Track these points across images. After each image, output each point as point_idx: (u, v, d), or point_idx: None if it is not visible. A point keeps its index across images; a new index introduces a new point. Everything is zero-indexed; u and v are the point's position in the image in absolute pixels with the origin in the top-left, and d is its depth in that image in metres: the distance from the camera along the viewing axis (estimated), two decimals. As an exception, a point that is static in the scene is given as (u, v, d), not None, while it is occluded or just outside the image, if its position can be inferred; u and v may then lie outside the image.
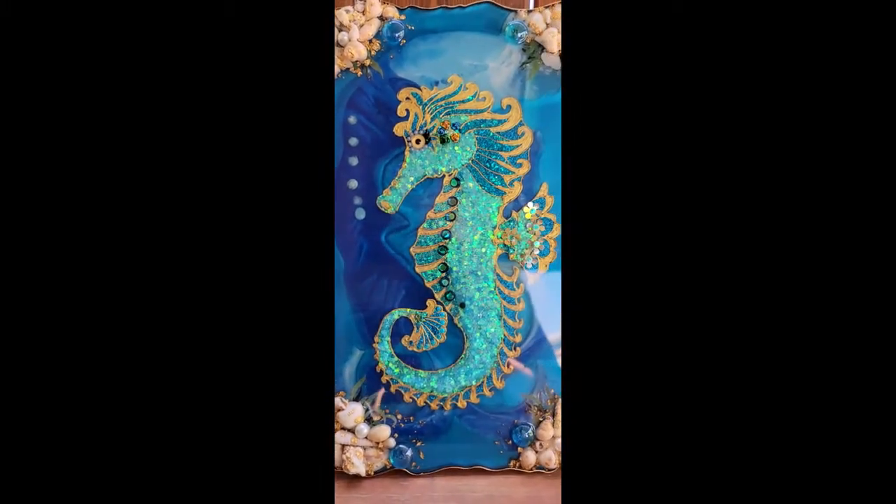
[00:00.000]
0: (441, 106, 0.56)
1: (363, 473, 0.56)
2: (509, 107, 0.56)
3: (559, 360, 0.58)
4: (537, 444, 0.57)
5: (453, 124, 0.56)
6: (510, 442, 0.58)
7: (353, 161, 0.57)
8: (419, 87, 0.56)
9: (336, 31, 0.56)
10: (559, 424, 0.56)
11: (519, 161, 0.57)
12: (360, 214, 0.57)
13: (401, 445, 0.58)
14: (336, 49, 0.56)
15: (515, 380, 0.58)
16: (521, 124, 0.57)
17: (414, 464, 0.58)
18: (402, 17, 0.56)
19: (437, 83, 0.56)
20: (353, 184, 0.57)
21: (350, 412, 0.56)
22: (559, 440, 0.56)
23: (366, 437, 0.57)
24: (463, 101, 0.56)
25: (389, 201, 0.56)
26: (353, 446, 0.57)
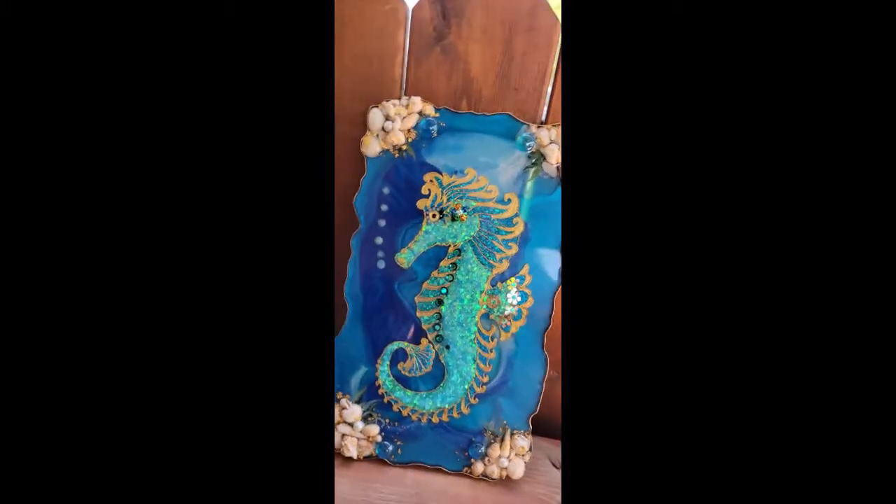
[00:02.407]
0: (456, 191, 0.68)
1: (355, 457, 0.71)
2: (510, 200, 0.68)
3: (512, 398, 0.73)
4: (486, 458, 0.71)
5: (464, 207, 0.68)
6: (466, 453, 0.71)
7: (382, 223, 0.69)
8: (441, 173, 0.67)
9: (384, 118, 0.68)
10: (506, 447, 0.72)
11: (510, 244, 0.69)
12: (381, 265, 0.70)
13: (385, 441, 0.71)
14: (381, 133, 0.68)
15: (478, 409, 0.72)
16: (516, 215, 0.68)
17: (392, 457, 0.72)
18: (437, 115, 0.67)
19: (455, 172, 0.67)
20: (379, 240, 0.70)
21: (351, 412, 0.71)
22: (502, 459, 0.71)
23: (360, 431, 0.71)
24: (474, 190, 0.67)
25: (405, 258, 0.69)
26: (350, 436, 0.71)
